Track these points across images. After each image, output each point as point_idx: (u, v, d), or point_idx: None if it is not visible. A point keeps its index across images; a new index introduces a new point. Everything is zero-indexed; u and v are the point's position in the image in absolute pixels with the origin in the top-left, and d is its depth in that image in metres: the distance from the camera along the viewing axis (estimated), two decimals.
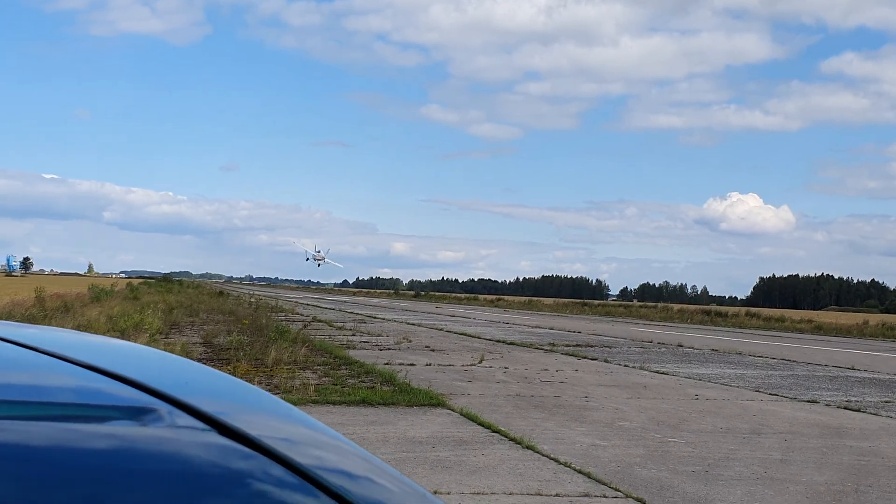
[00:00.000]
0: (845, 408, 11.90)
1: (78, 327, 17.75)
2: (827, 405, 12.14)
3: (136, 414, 0.93)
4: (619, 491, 6.25)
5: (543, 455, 7.44)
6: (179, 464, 0.86)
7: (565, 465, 7.07)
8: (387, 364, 15.10)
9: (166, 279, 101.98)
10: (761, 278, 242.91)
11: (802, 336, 39.71)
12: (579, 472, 6.82)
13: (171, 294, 51.36)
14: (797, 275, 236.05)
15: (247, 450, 0.89)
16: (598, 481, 6.52)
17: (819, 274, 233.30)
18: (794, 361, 20.74)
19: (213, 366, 13.15)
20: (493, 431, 8.52)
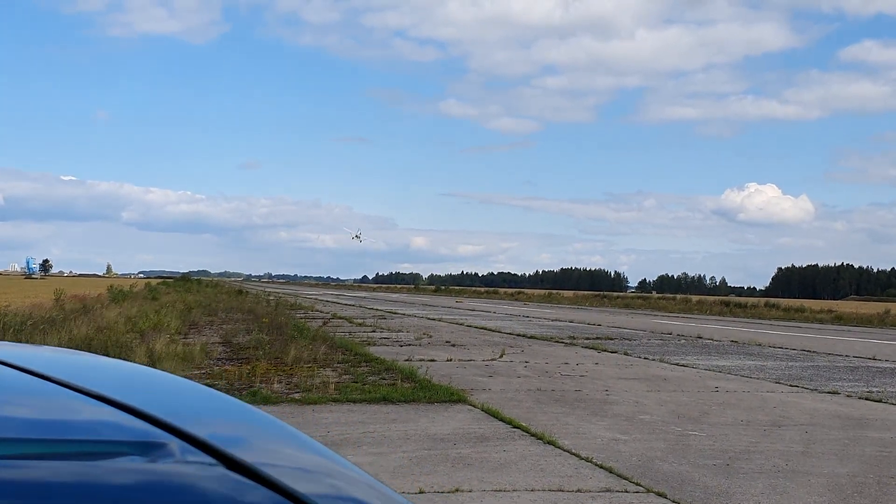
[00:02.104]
0: (867, 398, 11.86)
1: (98, 329, 17.90)
2: (848, 396, 12.10)
3: (141, 449, 0.93)
4: (640, 485, 6.27)
5: (565, 450, 7.47)
6: (183, 500, 0.86)
7: (587, 460, 7.10)
8: (407, 360, 15.15)
9: (185, 278, 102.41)
10: (780, 268, 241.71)
11: (822, 326, 39.51)
12: (601, 467, 6.84)
13: (190, 294, 51.58)
14: (816, 264, 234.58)
15: (252, 483, 0.90)
16: (620, 476, 6.54)
17: (839, 263, 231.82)
18: (814, 352, 20.66)
19: (232, 365, 13.27)
20: (515, 427, 8.56)
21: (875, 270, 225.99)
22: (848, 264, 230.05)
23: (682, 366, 15.96)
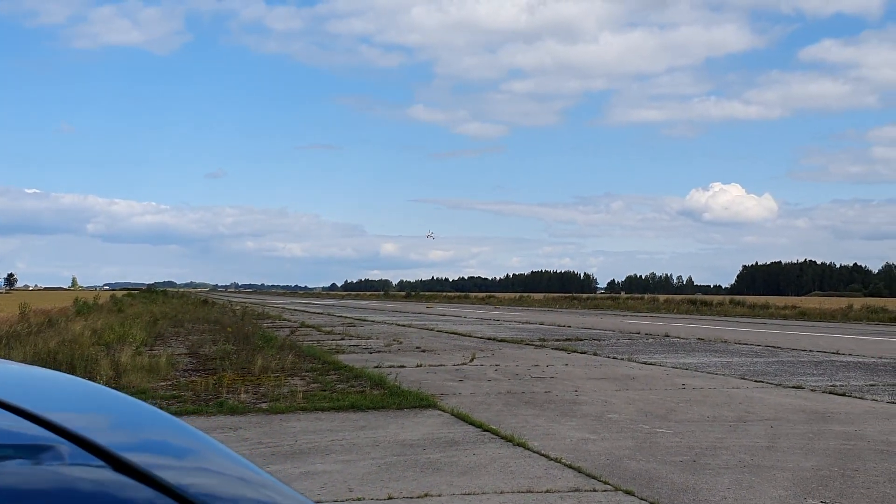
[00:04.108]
0: (830, 392, 12.02)
1: (63, 342, 17.70)
2: (812, 390, 12.26)
3: (28, 452, 0.93)
4: (608, 484, 6.31)
5: (534, 452, 7.50)
6: (66, 503, 0.86)
7: (556, 460, 7.14)
8: (377, 367, 15.13)
9: (150, 290, 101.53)
10: (745, 266, 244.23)
11: (787, 322, 39.98)
12: (570, 467, 6.88)
13: (156, 305, 51.16)
14: (780, 262, 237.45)
15: (139, 484, 0.90)
16: (589, 475, 6.58)
17: (802, 260, 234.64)
18: (778, 348, 20.90)
19: (199, 376, 13.19)
20: (485, 430, 8.58)
21: (837, 266, 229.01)
22: (811, 261, 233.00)
23: (650, 364, 16.09)
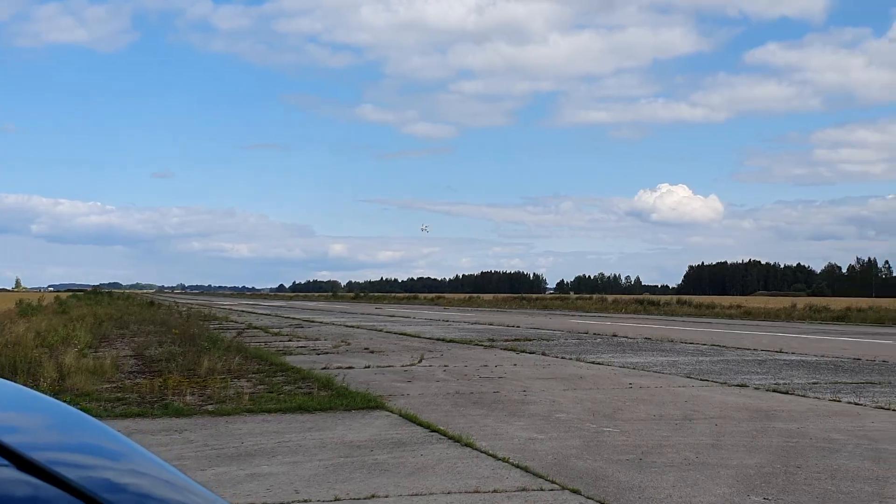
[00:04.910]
0: (774, 391, 12.21)
1: (6, 345, 17.32)
2: (756, 389, 12.44)
3: None
4: (555, 483, 6.33)
5: (482, 452, 7.50)
6: None
7: (503, 460, 7.14)
8: (324, 368, 15.04)
9: (95, 292, 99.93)
10: (691, 266, 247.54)
11: (732, 321, 40.58)
12: (517, 466, 6.89)
13: (101, 306, 50.28)
14: (725, 262, 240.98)
15: (43, 483, 0.88)
16: (536, 475, 6.59)
17: (747, 260, 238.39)
18: (724, 347, 21.20)
19: (144, 378, 12.99)
20: (433, 431, 8.56)
21: (781, 266, 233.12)
22: (755, 261, 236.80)
23: (598, 364, 16.20)
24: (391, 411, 9.88)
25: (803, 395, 11.68)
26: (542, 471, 6.75)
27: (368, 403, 10.31)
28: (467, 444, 7.80)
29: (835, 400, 11.25)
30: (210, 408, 10.07)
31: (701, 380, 13.56)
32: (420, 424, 8.94)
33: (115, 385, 12.37)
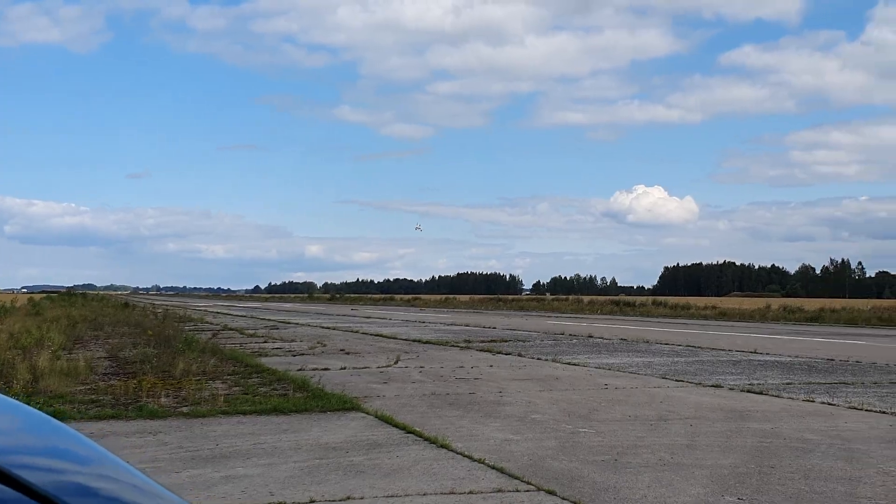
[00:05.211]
0: (748, 391, 12.28)
1: None
2: (731, 389, 12.51)
3: None
4: (531, 484, 6.33)
5: (457, 453, 7.49)
6: None
7: (479, 461, 7.14)
8: (300, 370, 14.99)
9: (69, 293, 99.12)
10: (666, 268, 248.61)
11: (707, 322, 40.82)
12: (493, 467, 6.88)
13: (75, 308, 49.84)
14: (700, 263, 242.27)
15: (3, 487, 0.88)
16: (511, 476, 6.59)
17: (722, 261, 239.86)
18: (699, 347, 21.32)
19: (118, 380, 12.90)
20: (408, 432, 8.54)
21: (756, 267, 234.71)
22: (730, 262, 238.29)
23: (574, 364, 16.25)
24: (367, 413, 9.86)
25: (777, 396, 11.76)
26: (518, 472, 6.75)
27: (344, 405, 10.28)
28: (443, 446, 7.79)
29: (808, 400, 11.34)
30: (185, 409, 10.00)
31: (676, 380, 13.63)
32: (396, 426, 8.92)
33: (89, 387, 12.26)
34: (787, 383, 13.34)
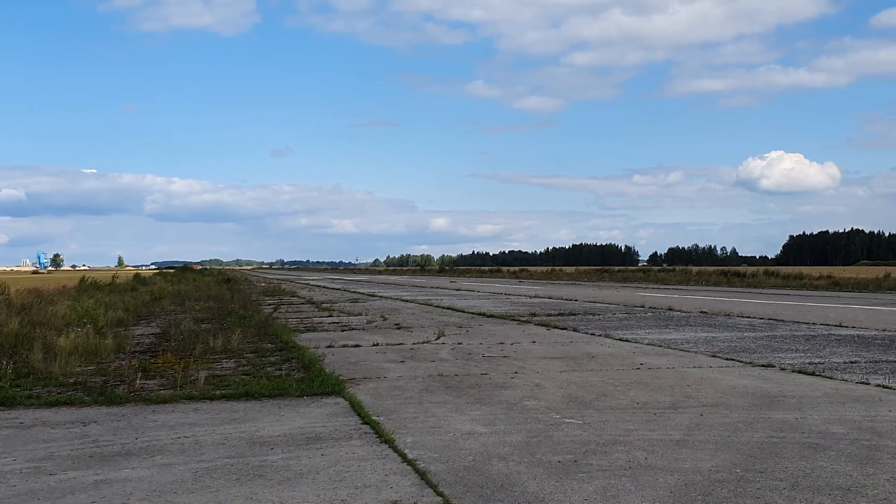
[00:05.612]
0: (800, 371, 10.81)
1: (30, 325, 17.00)
2: (781, 369, 11.05)
3: None
4: (440, 496, 5.25)
5: (396, 451, 6.47)
6: None
7: (411, 462, 6.10)
8: (329, 346, 14.30)
9: (184, 268, 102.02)
10: (791, 236, 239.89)
11: (813, 293, 38.37)
12: (417, 471, 5.83)
13: (182, 283, 50.78)
14: (827, 231, 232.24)
15: None
16: (428, 483, 5.53)
17: (849, 229, 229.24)
18: (781, 321, 19.59)
19: (135, 359, 12.31)
20: (364, 423, 7.57)
21: (886, 235, 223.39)
22: (858, 229, 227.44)
23: (624, 340, 14.94)
24: (345, 398, 8.93)
25: (829, 377, 10.27)
26: (443, 477, 5.69)
27: (326, 389, 9.37)
28: (387, 441, 6.78)
29: (863, 382, 9.82)
30: (155, 394, 9.29)
31: (726, 359, 12.21)
32: (360, 415, 7.95)
33: (94, 368, 11.73)
34: (852, 362, 11.76)
